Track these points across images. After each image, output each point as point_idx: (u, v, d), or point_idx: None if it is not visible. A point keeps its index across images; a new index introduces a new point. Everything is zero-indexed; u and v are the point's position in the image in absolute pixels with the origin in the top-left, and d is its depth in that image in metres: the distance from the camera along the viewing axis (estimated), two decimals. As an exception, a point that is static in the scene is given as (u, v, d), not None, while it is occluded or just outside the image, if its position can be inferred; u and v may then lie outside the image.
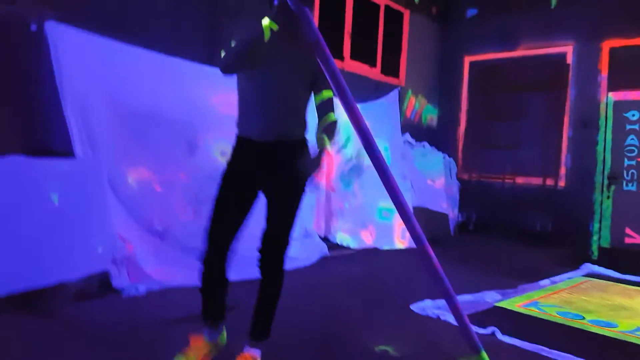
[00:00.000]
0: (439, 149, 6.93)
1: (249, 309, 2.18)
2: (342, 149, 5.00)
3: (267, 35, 1.89)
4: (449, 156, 6.98)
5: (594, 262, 5.09)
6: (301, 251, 4.10)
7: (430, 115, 7.62)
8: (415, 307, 3.11)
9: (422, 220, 5.60)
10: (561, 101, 6.48)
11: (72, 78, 3.07)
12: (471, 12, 7.40)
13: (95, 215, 3.02)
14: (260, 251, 2.11)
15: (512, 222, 6.61)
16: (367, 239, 5.05)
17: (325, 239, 4.76)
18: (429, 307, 3.09)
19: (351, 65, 5.95)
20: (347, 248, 4.87)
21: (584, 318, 3.20)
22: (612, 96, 5.38)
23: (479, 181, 7.08)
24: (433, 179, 6.47)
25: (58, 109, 3.03)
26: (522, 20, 6.83)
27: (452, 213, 6.68)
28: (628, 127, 5.24)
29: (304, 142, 2.16)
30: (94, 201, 3.03)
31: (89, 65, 3.20)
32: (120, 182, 3.35)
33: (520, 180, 6.71)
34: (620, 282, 4.44)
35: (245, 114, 2.11)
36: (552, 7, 6.61)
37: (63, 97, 3.02)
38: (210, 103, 3.87)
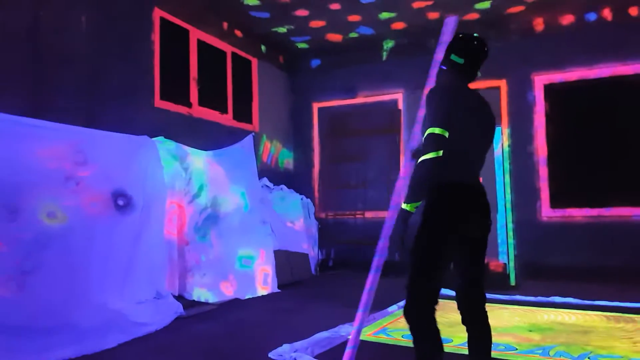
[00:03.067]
0: (296, 191, 7.24)
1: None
2: (195, 199, 4.91)
3: None
4: (307, 197, 7.32)
5: (436, 284, 5.66)
6: (152, 315, 3.88)
7: (287, 159, 7.96)
8: (273, 354, 3.16)
9: (283, 263, 5.82)
10: (396, 142, 7.27)
11: None
12: (315, 62, 8.02)
13: None
14: (468, 295, 2.23)
15: (366, 256, 7.07)
16: (228, 291, 4.91)
17: (180, 297, 4.52)
18: (286, 351, 3.17)
19: (200, 111, 6.02)
20: (206, 303, 4.68)
21: (424, 337, 3.55)
22: (437, 136, 6.17)
23: (334, 219, 7.52)
24: (292, 220, 6.70)
25: None
26: (360, 71, 7.60)
27: (313, 252, 6.97)
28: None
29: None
30: None
31: None
32: None
33: (369, 215, 7.29)
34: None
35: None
36: (383, 59, 7.48)
37: None
38: (35, 158, 3.60)
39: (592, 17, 6.33)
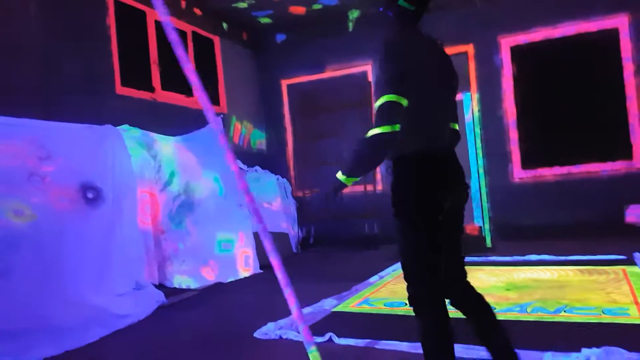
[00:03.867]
0: (271, 172, 7.17)
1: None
2: (167, 186, 4.82)
3: None
4: (282, 177, 7.27)
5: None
6: (133, 306, 3.83)
7: (259, 140, 7.86)
8: (258, 333, 3.17)
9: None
10: (369, 116, 7.24)
11: None
12: (280, 37, 7.86)
13: None
14: (456, 283, 1.97)
15: (346, 230, 7.16)
16: (209, 275, 4.89)
17: (161, 286, 4.47)
18: (271, 330, 3.18)
19: (164, 95, 5.86)
20: (188, 290, 4.65)
21: (406, 304, 3.60)
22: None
23: (312, 196, 7.51)
24: (269, 201, 6.66)
25: None
26: (327, 44, 7.49)
27: (293, 231, 6.96)
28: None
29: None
30: None
31: None
32: None
33: (346, 190, 7.27)
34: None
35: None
36: (350, 30, 7.38)
37: None
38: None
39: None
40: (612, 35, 6.11)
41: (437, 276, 1.81)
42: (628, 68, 6.06)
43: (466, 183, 1.97)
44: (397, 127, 1.69)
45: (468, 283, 2.02)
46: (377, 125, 1.68)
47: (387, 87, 1.71)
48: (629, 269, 4.15)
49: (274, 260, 1.77)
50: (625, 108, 6.07)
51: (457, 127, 2.04)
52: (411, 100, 1.74)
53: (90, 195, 4.09)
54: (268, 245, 1.76)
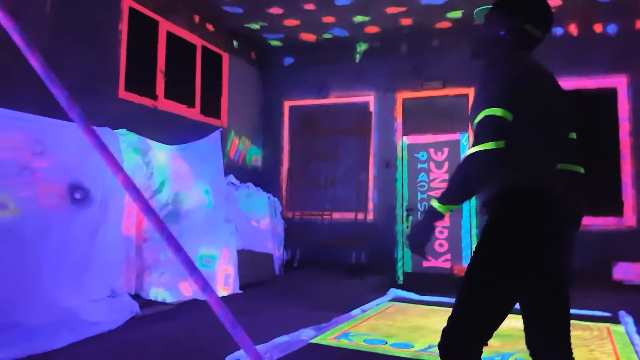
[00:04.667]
0: (264, 189, 7.14)
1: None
2: (156, 194, 4.76)
3: None
4: (274, 196, 7.23)
5: (400, 287, 5.70)
6: (106, 314, 3.72)
7: (255, 156, 7.85)
8: (230, 358, 3.08)
9: (246, 263, 5.72)
10: (367, 144, 7.27)
11: None
12: (288, 61, 7.94)
13: None
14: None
15: (332, 256, 7.10)
16: (187, 291, 4.75)
17: (136, 296, 4.36)
18: (244, 356, 3.10)
19: (166, 104, 5.86)
20: (163, 303, 4.52)
21: (386, 342, 3.54)
22: (406, 140, 6.20)
23: (302, 219, 7.46)
24: (258, 220, 6.60)
25: None
26: (332, 71, 7.57)
27: (278, 252, 6.89)
28: (419, 166, 6.08)
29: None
30: None
31: None
32: None
33: (337, 215, 7.27)
34: (420, 303, 5.03)
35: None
36: (356, 61, 7.47)
37: None
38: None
39: (559, 31, 6.47)
40: (610, 95, 6.22)
41: (478, 345, 1.51)
42: (624, 127, 6.14)
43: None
44: (503, 145, 1.40)
45: None
46: (479, 143, 1.41)
47: (493, 100, 1.44)
48: (613, 327, 4.11)
49: (210, 298, 1.29)
50: (619, 165, 6.13)
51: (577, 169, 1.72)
52: (523, 122, 1.47)
53: (77, 195, 4.03)
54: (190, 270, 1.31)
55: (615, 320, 4.36)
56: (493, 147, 1.38)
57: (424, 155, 6.06)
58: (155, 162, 4.84)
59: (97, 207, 4.12)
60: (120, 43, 5.17)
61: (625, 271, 5.91)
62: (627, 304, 4.90)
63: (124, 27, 5.23)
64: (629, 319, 4.24)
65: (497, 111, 1.41)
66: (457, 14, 6.18)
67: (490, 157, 1.39)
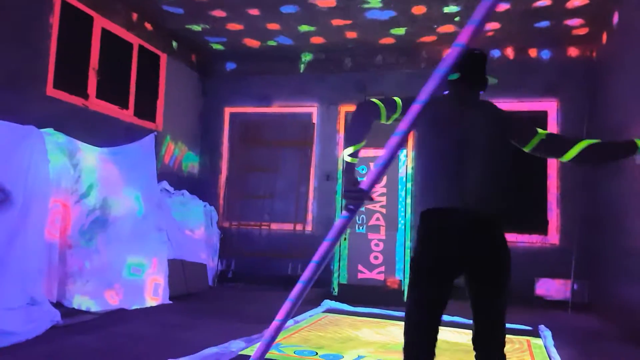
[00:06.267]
0: (200, 198, 6.94)
1: None
2: (83, 199, 4.51)
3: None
4: (210, 204, 7.05)
5: (334, 298, 5.71)
6: (23, 323, 3.46)
7: (192, 163, 7.64)
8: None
9: (177, 273, 5.52)
10: (308, 155, 7.28)
11: None
12: (230, 66, 7.82)
13: None
14: (478, 349, 2.00)
15: (269, 268, 7.00)
16: (113, 300, 4.54)
17: (58, 305, 4.11)
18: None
19: (98, 104, 5.58)
20: (87, 312, 4.30)
21: (316, 354, 3.51)
22: (346, 153, 6.26)
23: (238, 229, 7.33)
24: (192, 229, 6.40)
25: None
26: (276, 80, 7.53)
27: (212, 262, 6.71)
28: (359, 179, 6.10)
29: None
30: None
31: None
32: None
33: (275, 226, 7.20)
34: (352, 315, 5.06)
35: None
36: (301, 71, 7.48)
37: None
38: None
39: (496, 53, 6.81)
40: (541, 117, 6.59)
41: (420, 336, 1.93)
42: (550, 149, 6.52)
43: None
44: (377, 102, 1.96)
45: (496, 355, 1.99)
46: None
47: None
48: (533, 340, 4.31)
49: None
50: (546, 186, 6.50)
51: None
52: (425, 157, 2.03)
53: (-4, 197, 3.73)
54: None
55: (535, 333, 4.57)
56: (370, 100, 1.97)
57: (364, 169, 6.14)
58: (84, 164, 4.59)
59: (18, 209, 3.84)
60: (50, 37, 4.89)
61: (547, 287, 6.25)
62: (546, 318, 5.17)
63: (55, 20, 4.95)
64: (547, 333, 4.46)
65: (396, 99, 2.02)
66: (401, 31, 6.35)
67: (364, 106, 1.98)
